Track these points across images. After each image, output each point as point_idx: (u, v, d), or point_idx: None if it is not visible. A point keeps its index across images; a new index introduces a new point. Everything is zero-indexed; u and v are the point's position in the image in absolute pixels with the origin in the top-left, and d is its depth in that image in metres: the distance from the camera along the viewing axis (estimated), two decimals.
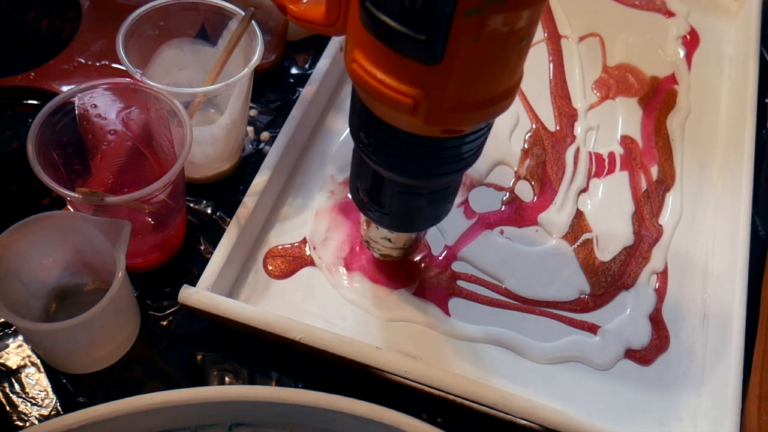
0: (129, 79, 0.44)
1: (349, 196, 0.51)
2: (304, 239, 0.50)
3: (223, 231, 0.48)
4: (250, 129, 0.55)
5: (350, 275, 0.48)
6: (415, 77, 0.31)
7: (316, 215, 0.51)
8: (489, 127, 0.36)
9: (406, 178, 0.37)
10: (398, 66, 0.31)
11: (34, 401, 0.43)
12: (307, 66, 0.60)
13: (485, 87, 0.32)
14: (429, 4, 0.28)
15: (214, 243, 0.48)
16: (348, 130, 0.55)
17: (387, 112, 0.33)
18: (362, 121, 0.36)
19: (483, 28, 0.28)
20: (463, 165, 0.37)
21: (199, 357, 0.45)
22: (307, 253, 0.49)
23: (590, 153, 0.56)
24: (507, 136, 0.56)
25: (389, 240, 0.45)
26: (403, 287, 0.48)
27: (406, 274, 0.48)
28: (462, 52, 0.29)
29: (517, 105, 0.58)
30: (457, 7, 0.27)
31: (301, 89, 0.57)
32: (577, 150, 0.56)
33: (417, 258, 0.49)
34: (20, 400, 0.43)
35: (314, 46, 0.61)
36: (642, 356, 0.47)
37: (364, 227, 0.45)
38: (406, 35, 0.29)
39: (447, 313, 0.47)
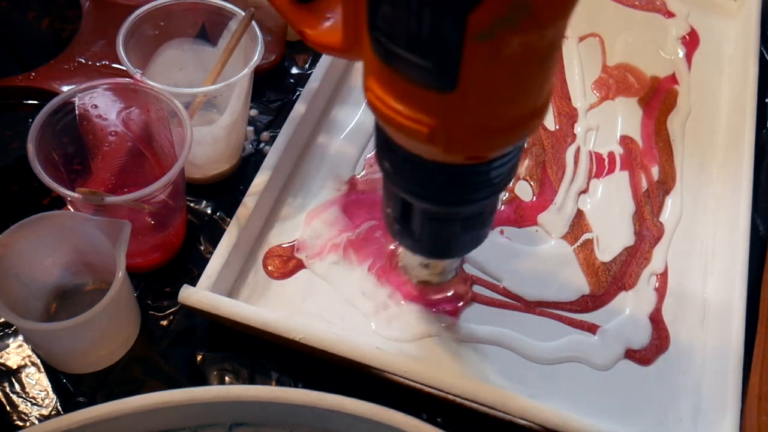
0: (129, 79, 0.44)
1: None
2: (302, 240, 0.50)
3: (223, 231, 0.48)
4: (250, 129, 0.55)
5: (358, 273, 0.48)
6: (429, 105, 0.29)
7: (308, 216, 0.51)
8: (519, 149, 0.34)
9: (434, 206, 0.36)
10: (412, 94, 0.29)
11: (34, 401, 0.43)
12: (307, 66, 0.60)
13: (506, 112, 0.30)
14: (436, 31, 0.26)
15: (214, 243, 0.48)
16: (348, 127, 0.56)
17: (407, 140, 0.32)
18: (385, 149, 0.34)
19: (497, 53, 0.27)
20: (494, 190, 0.35)
21: (199, 357, 0.45)
22: (297, 255, 0.49)
23: (590, 153, 0.56)
24: None
25: (426, 266, 0.43)
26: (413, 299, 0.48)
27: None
28: (476, 78, 0.28)
29: None
30: (467, 33, 0.26)
31: (301, 89, 0.57)
32: (578, 150, 0.56)
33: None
34: (20, 399, 0.43)
35: None
36: (642, 356, 0.47)
37: (400, 253, 0.44)
38: (416, 63, 0.28)
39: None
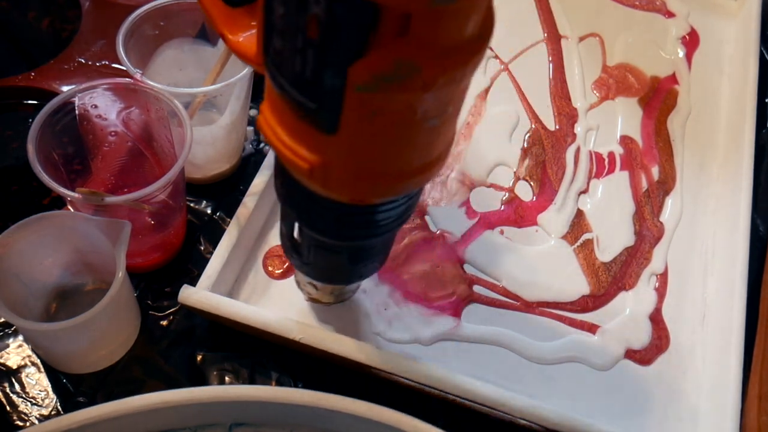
0: (129, 79, 0.44)
1: None
2: None
3: (223, 231, 0.48)
4: (250, 129, 0.55)
5: None
6: (311, 142, 0.28)
7: None
8: (411, 196, 0.33)
9: (319, 236, 0.35)
10: (297, 128, 0.29)
11: (34, 401, 0.43)
12: None
13: (389, 163, 0.29)
14: (317, 76, 0.26)
15: (214, 243, 0.48)
16: None
17: (289, 168, 0.31)
18: (277, 170, 0.34)
19: (379, 107, 0.26)
20: (380, 232, 0.34)
21: (199, 357, 0.45)
22: None
23: (590, 153, 0.56)
24: (507, 136, 0.56)
25: (315, 286, 0.43)
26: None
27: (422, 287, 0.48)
28: (358, 126, 0.27)
29: (516, 105, 0.59)
30: (347, 82, 0.25)
31: None
32: (578, 150, 0.56)
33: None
34: (20, 399, 0.43)
35: None
36: (642, 356, 0.47)
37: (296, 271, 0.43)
38: (300, 100, 0.27)
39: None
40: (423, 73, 0.25)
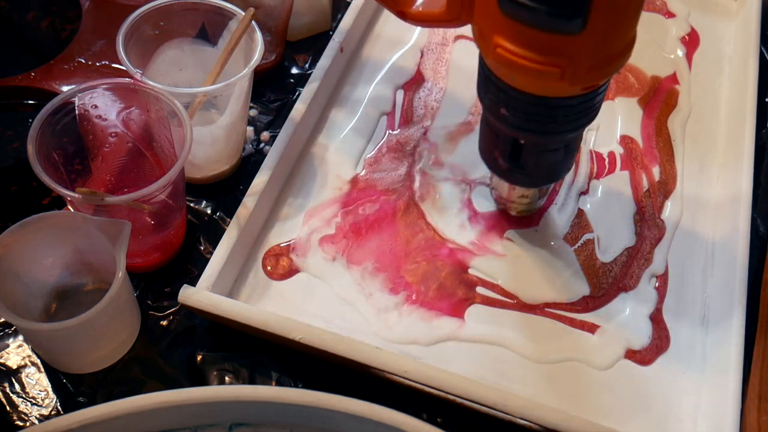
0: (129, 80, 0.44)
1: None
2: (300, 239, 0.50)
3: (223, 231, 0.48)
4: (250, 129, 0.55)
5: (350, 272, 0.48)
6: (559, 48, 0.36)
7: (307, 215, 0.51)
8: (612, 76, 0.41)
9: (549, 138, 0.42)
10: (543, 42, 0.36)
11: (34, 401, 0.43)
12: (307, 66, 0.60)
13: (617, 42, 0.38)
14: None
15: (214, 243, 0.48)
16: (348, 127, 0.56)
17: (532, 83, 0.38)
18: (501, 97, 0.40)
19: None
20: (593, 114, 0.42)
21: (199, 357, 0.45)
22: (295, 255, 0.49)
23: (591, 152, 0.56)
24: None
25: (526, 197, 0.49)
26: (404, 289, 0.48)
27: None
28: (601, 17, 0.34)
29: None
30: None
31: (301, 89, 0.57)
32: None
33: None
34: (20, 399, 0.43)
35: (314, 46, 0.61)
36: (642, 356, 0.47)
37: (503, 193, 0.50)
38: (553, 15, 0.34)
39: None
40: None
